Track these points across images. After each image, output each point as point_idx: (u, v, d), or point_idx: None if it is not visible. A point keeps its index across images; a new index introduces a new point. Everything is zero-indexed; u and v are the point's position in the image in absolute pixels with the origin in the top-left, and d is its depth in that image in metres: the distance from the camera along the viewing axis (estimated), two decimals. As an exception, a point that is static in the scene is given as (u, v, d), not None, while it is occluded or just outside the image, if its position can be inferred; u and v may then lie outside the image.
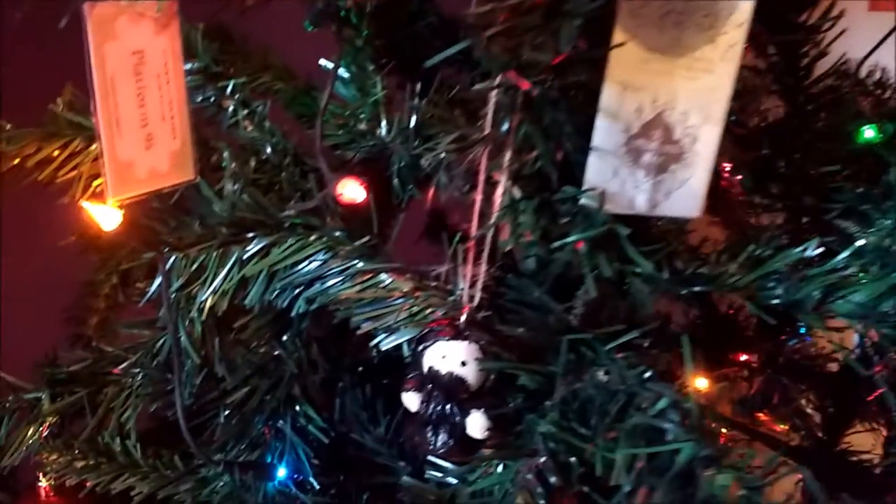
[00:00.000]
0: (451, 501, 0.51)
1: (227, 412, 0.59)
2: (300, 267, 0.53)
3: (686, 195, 0.45)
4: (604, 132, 0.43)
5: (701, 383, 0.63)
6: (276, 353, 0.60)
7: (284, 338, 0.60)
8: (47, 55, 0.82)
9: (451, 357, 0.47)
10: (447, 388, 0.47)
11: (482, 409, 0.47)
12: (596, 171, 0.44)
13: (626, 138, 0.44)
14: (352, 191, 0.52)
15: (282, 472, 0.61)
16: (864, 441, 0.72)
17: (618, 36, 0.41)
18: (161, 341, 0.61)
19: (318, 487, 0.61)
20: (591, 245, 0.43)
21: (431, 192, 0.53)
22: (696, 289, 0.49)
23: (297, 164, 0.57)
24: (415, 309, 0.51)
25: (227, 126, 0.60)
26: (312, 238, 0.52)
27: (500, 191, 0.45)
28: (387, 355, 0.53)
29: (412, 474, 0.57)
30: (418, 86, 0.55)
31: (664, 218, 0.48)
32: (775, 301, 0.48)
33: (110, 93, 0.45)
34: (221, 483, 0.61)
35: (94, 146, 0.54)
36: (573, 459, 0.44)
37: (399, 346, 0.52)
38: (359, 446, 0.63)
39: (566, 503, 0.45)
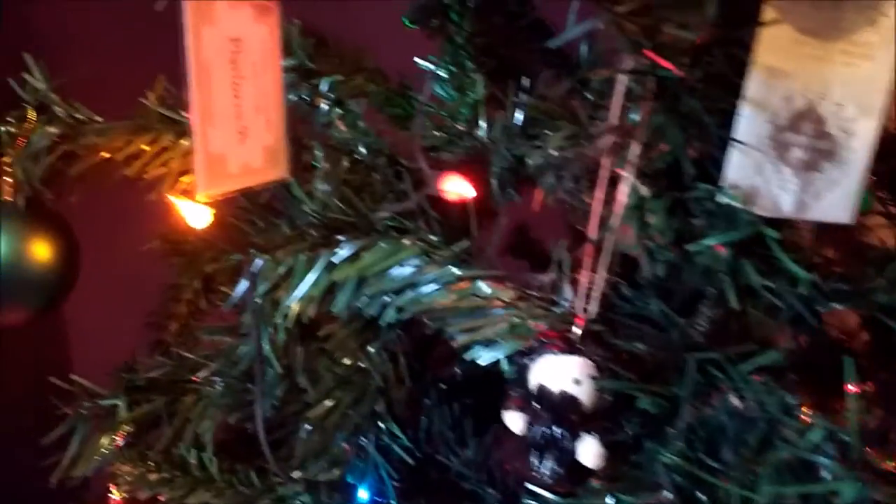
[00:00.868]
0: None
1: (308, 427, 0.56)
2: (392, 273, 0.49)
3: (838, 198, 0.40)
4: (748, 124, 0.39)
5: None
6: (362, 365, 0.56)
7: (370, 349, 0.56)
8: (136, 49, 0.83)
9: (562, 374, 0.42)
10: (558, 408, 0.42)
11: (596, 434, 0.42)
12: (737, 168, 0.39)
13: (772, 131, 0.39)
14: (456, 187, 0.49)
15: (363, 494, 0.57)
16: None
17: (768, 14, 0.37)
18: (242, 349, 0.58)
19: (400, 512, 0.57)
20: (734, 249, 0.38)
21: (538, 194, 0.49)
22: (838, 306, 0.44)
23: (392, 165, 0.55)
24: (516, 320, 0.47)
25: (320, 125, 0.57)
26: (406, 241, 0.49)
27: (623, 189, 0.40)
28: (472, 371, 0.49)
29: (503, 503, 0.53)
30: (525, 81, 0.52)
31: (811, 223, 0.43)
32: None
33: (205, 80, 0.42)
34: (299, 502, 0.58)
35: (184, 141, 0.52)
36: (703, 497, 0.39)
37: (492, 362, 0.48)
38: (444, 469, 0.59)
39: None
